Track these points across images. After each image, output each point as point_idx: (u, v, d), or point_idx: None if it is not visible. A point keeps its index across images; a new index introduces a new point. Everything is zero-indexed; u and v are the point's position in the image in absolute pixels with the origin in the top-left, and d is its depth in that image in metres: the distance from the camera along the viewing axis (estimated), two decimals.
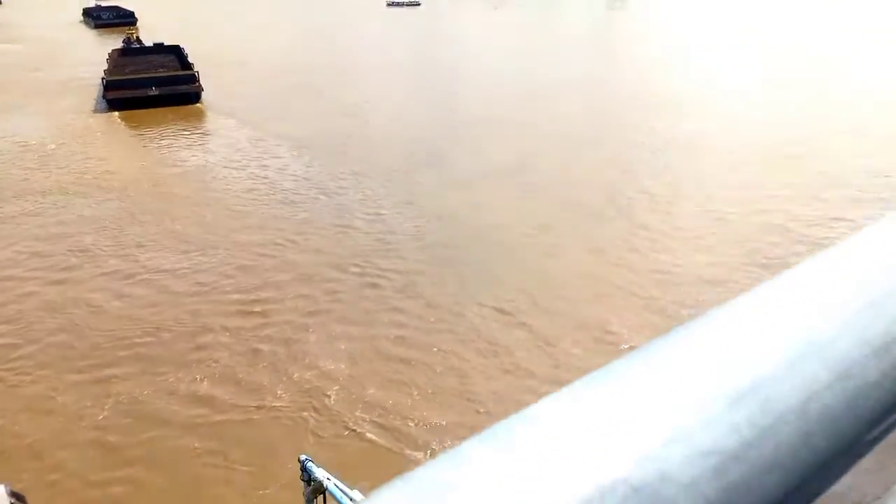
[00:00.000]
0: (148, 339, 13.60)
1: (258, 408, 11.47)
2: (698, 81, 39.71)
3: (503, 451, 0.78)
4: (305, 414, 11.28)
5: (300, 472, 4.91)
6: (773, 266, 15.75)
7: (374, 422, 11.02)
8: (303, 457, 4.91)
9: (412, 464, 9.96)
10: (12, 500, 2.91)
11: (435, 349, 13.03)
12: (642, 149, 26.36)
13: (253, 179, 23.96)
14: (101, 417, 11.32)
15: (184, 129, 31.54)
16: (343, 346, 13.16)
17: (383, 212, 20.54)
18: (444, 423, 11.01)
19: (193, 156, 27.24)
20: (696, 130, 28.72)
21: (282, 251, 17.76)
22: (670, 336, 1.02)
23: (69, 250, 17.99)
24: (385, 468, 9.81)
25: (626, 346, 12.71)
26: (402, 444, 10.58)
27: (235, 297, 15.32)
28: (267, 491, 9.61)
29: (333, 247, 18.02)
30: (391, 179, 23.51)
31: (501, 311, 14.37)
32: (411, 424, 10.96)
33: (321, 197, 22.05)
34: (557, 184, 22.50)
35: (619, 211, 20.00)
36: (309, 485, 4.88)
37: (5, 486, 2.97)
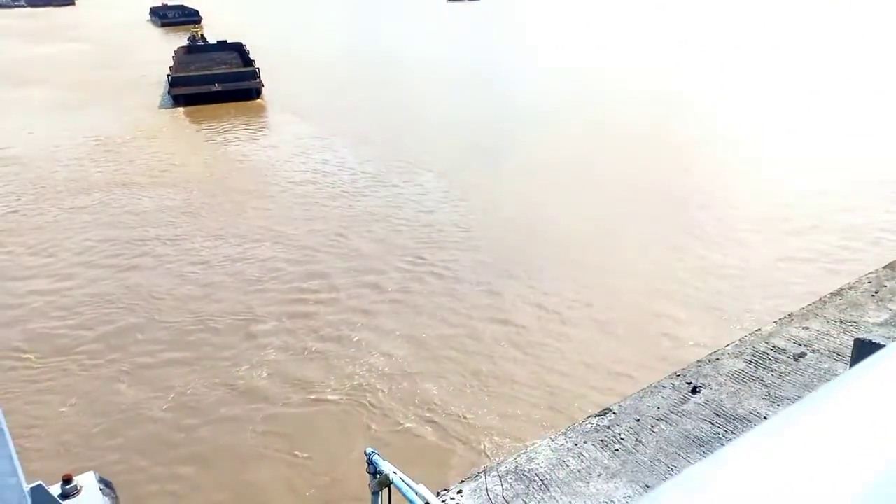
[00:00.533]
0: (210, 326, 13.95)
1: (317, 400, 11.65)
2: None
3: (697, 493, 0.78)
4: (365, 394, 11.43)
5: (366, 464, 4.95)
6: None
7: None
8: (369, 450, 4.94)
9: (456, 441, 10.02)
10: (101, 487, 3.01)
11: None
12: None
13: (314, 173, 24.31)
14: (165, 405, 11.67)
15: (246, 125, 32.20)
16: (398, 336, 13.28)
17: (437, 205, 20.62)
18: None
19: (256, 150, 27.77)
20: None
21: (342, 243, 17.99)
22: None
23: (137, 240, 18.59)
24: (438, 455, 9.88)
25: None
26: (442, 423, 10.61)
27: (296, 286, 15.59)
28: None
29: (392, 238, 18.16)
30: (447, 174, 23.57)
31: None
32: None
33: (380, 190, 22.24)
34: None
35: None
36: (375, 477, 4.91)
37: (94, 473, 3.07)
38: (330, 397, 11.65)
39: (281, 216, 20.12)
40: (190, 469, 10.24)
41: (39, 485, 2.70)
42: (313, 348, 13.09)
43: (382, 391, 11.71)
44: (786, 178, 21.56)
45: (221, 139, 29.72)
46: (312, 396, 11.69)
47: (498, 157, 25.44)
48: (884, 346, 4.08)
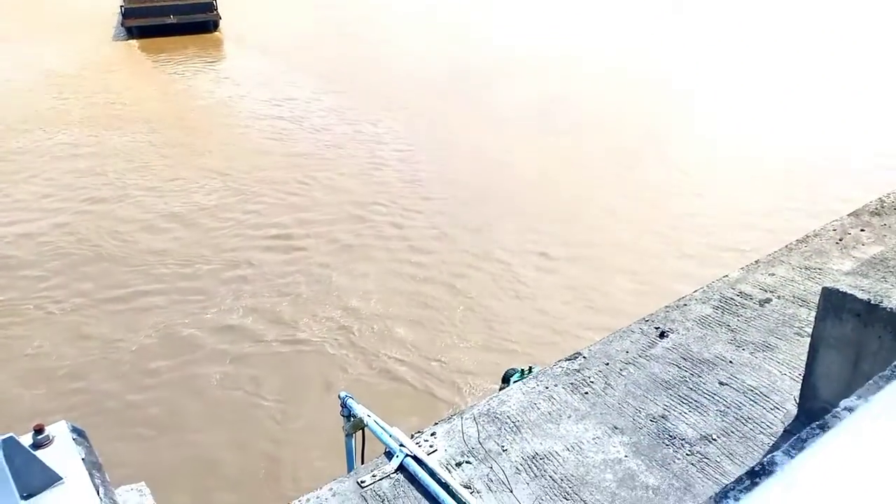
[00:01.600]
0: (174, 271, 13.76)
1: (290, 340, 11.66)
2: None
3: None
4: (337, 336, 11.47)
5: (340, 407, 4.99)
6: None
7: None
8: (343, 393, 4.97)
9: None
10: (74, 437, 2.98)
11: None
12: None
13: (277, 110, 23.76)
14: (135, 346, 11.57)
15: (204, 59, 31.21)
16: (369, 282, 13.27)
17: (406, 147, 20.39)
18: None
19: (218, 87, 27.01)
20: None
21: (308, 188, 17.74)
22: None
23: (95, 182, 18.10)
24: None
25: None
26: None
27: (267, 231, 15.41)
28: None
29: (359, 185, 17.97)
30: (418, 113, 23.24)
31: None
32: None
33: (348, 131, 21.88)
34: None
35: None
36: (349, 420, 4.96)
37: (67, 422, 3.03)
38: (305, 338, 11.66)
39: (243, 157, 19.72)
40: (159, 411, 10.24)
41: (10, 437, 2.66)
42: (286, 291, 13.02)
43: (357, 332, 11.75)
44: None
45: (179, 74, 28.81)
46: (287, 338, 11.68)
47: (468, 102, 25.12)
48: (851, 294, 4.18)
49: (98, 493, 2.72)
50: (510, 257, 14.03)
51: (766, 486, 1.59)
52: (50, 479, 2.72)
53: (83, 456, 2.91)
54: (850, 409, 1.80)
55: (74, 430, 3.05)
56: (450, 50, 32.39)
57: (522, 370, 10.22)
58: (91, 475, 2.79)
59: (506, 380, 11.01)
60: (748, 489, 1.60)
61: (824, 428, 1.77)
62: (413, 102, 24.49)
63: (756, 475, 1.65)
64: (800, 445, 1.72)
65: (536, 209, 16.11)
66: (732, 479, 4.06)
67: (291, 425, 9.86)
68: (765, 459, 1.70)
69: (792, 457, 1.68)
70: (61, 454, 2.87)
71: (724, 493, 1.60)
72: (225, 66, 30.60)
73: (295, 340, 11.56)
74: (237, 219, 15.98)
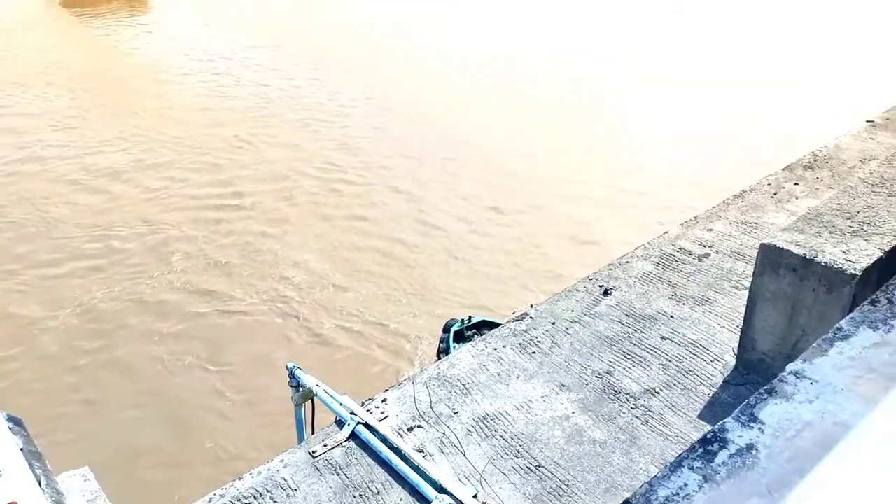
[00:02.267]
0: (109, 236, 13.30)
1: (230, 312, 11.45)
2: None
3: None
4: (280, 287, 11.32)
5: (289, 378, 4.94)
6: None
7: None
8: (290, 364, 4.91)
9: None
10: (11, 426, 2.86)
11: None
12: None
13: (212, 68, 22.94)
14: (63, 316, 11.18)
15: (134, 16, 29.81)
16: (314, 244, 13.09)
17: (349, 103, 20.01)
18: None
19: (147, 44, 25.87)
20: None
21: (248, 146, 17.28)
22: None
23: (20, 149, 17.23)
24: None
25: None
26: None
27: (204, 193, 14.98)
28: None
29: (301, 141, 17.58)
30: (363, 73, 22.76)
31: None
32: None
33: (285, 87, 21.31)
34: None
35: None
36: (297, 391, 4.92)
37: (1, 412, 2.91)
38: (244, 308, 11.47)
39: (178, 117, 19.03)
40: (97, 391, 9.95)
41: None
42: (223, 259, 12.74)
43: (299, 300, 11.62)
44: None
45: (105, 31, 27.47)
46: (225, 308, 11.47)
47: (419, 58, 24.70)
48: (787, 250, 4.30)
49: (40, 484, 2.63)
50: (446, 217, 14.02)
51: (720, 456, 1.62)
52: None
53: (21, 446, 2.80)
54: (797, 374, 1.85)
55: (10, 419, 2.93)
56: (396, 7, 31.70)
57: (462, 320, 10.36)
58: (31, 465, 2.69)
59: (446, 330, 11.16)
60: (702, 457, 1.63)
61: (772, 393, 1.81)
62: (351, 61, 23.96)
63: (708, 443, 1.68)
64: (749, 412, 1.76)
65: (477, 164, 16.09)
66: (676, 431, 4.19)
67: (236, 397, 9.75)
68: (716, 427, 1.74)
69: (742, 423, 1.71)
70: None
71: (678, 463, 1.63)
72: (153, 21, 29.26)
73: (234, 311, 11.36)
74: (170, 182, 15.47)
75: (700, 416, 4.40)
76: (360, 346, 10.62)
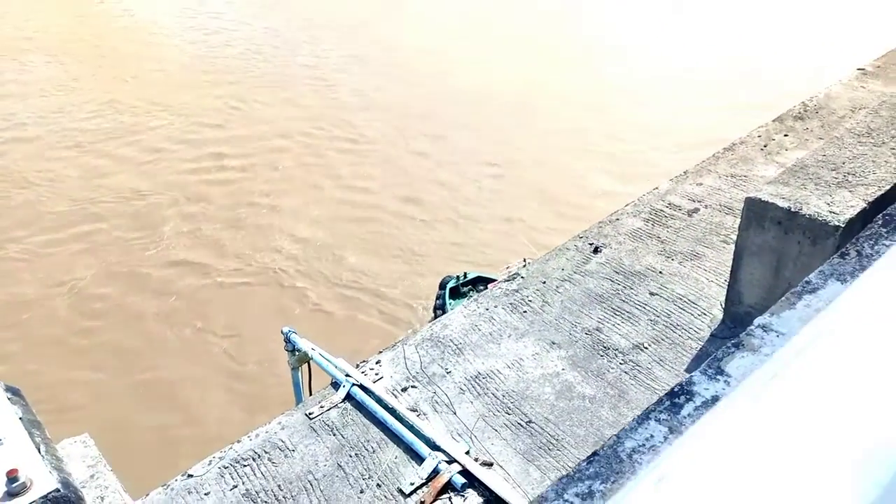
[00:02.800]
0: (105, 209, 13.30)
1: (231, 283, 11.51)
2: None
3: None
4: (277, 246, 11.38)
5: (284, 343, 5.02)
6: None
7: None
8: (286, 329, 4.99)
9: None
10: (9, 396, 2.93)
11: None
12: None
13: (205, 30, 22.64)
14: (58, 291, 11.25)
15: None
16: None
17: (343, 63, 19.82)
18: None
19: (136, 4, 25.47)
20: None
21: (242, 110, 17.16)
22: None
23: (5, 119, 17.10)
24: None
25: None
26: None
27: (203, 161, 14.92)
28: None
29: (296, 103, 17.45)
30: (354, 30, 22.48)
31: None
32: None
33: (280, 46, 21.05)
34: None
35: None
36: (294, 355, 5.00)
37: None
38: (244, 279, 11.52)
39: (173, 83, 18.84)
40: (102, 356, 10.08)
41: None
42: (220, 228, 12.76)
43: (297, 268, 11.68)
44: None
45: None
46: (224, 280, 11.52)
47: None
48: (772, 203, 4.33)
49: (39, 451, 2.71)
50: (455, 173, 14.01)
51: (686, 408, 1.69)
52: None
53: (20, 415, 2.87)
54: (764, 327, 1.91)
55: (8, 388, 3.00)
56: None
57: (458, 276, 10.45)
58: (31, 434, 2.77)
59: (443, 286, 11.25)
60: (668, 409, 1.70)
61: (739, 346, 1.87)
62: (343, 19, 23.64)
63: (675, 395, 1.74)
64: (715, 364, 1.82)
65: (478, 121, 16.00)
66: (663, 385, 4.28)
67: (247, 360, 9.86)
68: (683, 380, 1.80)
69: (709, 376, 1.78)
70: None
71: (646, 415, 1.69)
72: None
73: (234, 282, 11.41)
74: (169, 149, 15.41)
75: (687, 370, 4.49)
76: (361, 313, 10.71)
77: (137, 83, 18.78)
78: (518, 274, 5.52)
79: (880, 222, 2.32)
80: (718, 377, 1.77)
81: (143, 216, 13.10)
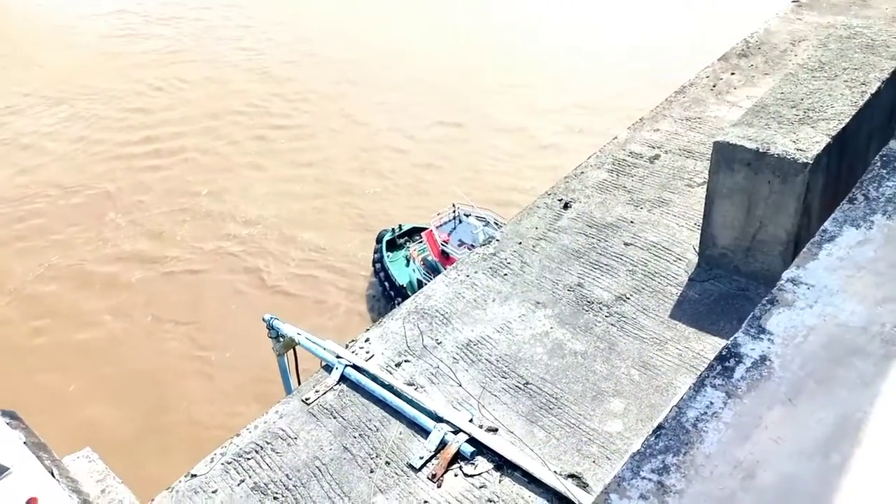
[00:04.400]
0: (34, 210, 12.74)
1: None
2: None
3: None
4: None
5: (268, 330, 4.94)
6: None
7: None
8: (267, 316, 4.89)
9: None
10: (8, 421, 2.81)
11: None
12: None
13: (117, 13, 21.58)
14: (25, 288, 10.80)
15: None
16: None
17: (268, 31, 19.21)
18: None
19: None
20: None
21: (167, 88, 16.51)
22: None
23: None
24: None
25: None
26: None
27: (127, 143, 14.35)
28: None
29: (223, 77, 16.88)
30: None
31: None
32: None
33: (203, 19, 20.25)
34: None
35: None
36: (278, 341, 4.93)
37: None
38: (194, 266, 11.25)
39: (86, 64, 17.96)
40: (61, 355, 9.77)
41: None
42: (161, 218, 12.37)
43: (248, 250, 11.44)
44: None
45: None
46: (172, 269, 11.22)
47: None
48: (740, 145, 4.42)
49: (53, 475, 2.62)
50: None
51: (738, 370, 1.72)
52: None
53: (24, 439, 2.76)
54: (793, 281, 1.95)
55: (5, 413, 2.88)
56: None
57: (393, 229, 10.64)
58: (39, 458, 2.67)
59: (379, 240, 11.31)
60: (721, 374, 1.73)
61: (774, 303, 1.91)
62: None
63: (725, 359, 1.78)
64: (756, 324, 1.86)
65: (412, 83, 15.80)
66: (650, 334, 4.37)
67: (211, 345, 9.70)
68: (729, 342, 1.83)
69: (752, 336, 1.81)
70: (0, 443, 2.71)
71: (701, 382, 1.72)
72: None
73: (183, 270, 11.13)
74: (90, 136, 14.77)
75: (671, 316, 4.60)
76: (319, 291, 10.59)
77: (51, 69, 17.85)
78: (493, 237, 5.53)
79: (879, 164, 2.38)
80: (762, 336, 1.81)
81: (78, 211, 12.61)
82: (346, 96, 15.51)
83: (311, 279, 10.75)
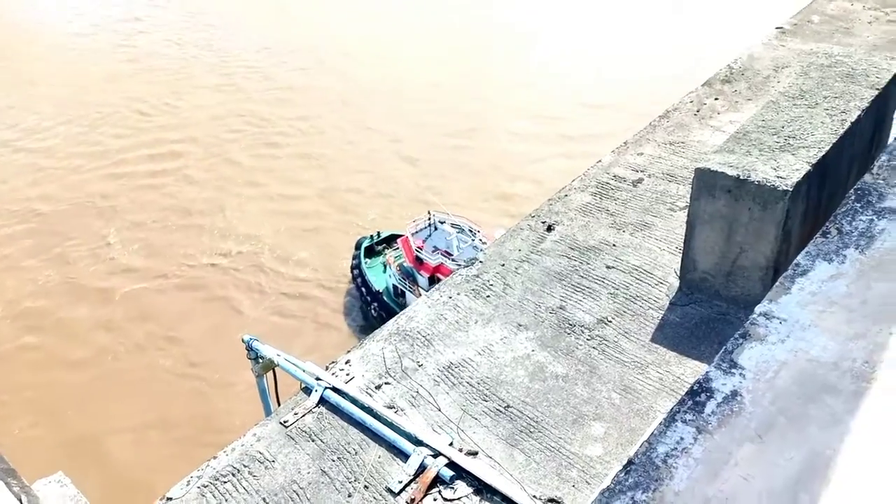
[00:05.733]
0: (40, 223, 12.65)
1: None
2: None
3: None
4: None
5: (246, 351, 4.90)
6: None
7: None
8: (247, 337, 4.85)
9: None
10: None
11: None
12: None
13: (92, 28, 21.56)
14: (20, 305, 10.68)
15: None
16: None
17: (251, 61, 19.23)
18: None
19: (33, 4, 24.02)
20: None
21: (165, 109, 16.48)
22: None
23: None
24: None
25: None
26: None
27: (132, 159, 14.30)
28: None
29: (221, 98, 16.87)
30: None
31: None
32: None
33: (201, 38, 20.26)
34: None
35: None
36: (257, 362, 4.89)
37: None
38: (184, 283, 11.17)
39: (89, 83, 17.92)
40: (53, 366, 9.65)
41: None
42: (160, 234, 12.30)
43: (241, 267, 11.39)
44: None
45: None
46: (160, 284, 11.14)
47: None
48: (721, 172, 4.45)
49: (20, 502, 2.57)
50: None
51: (709, 405, 1.72)
52: None
53: None
54: (766, 315, 1.96)
55: None
56: None
57: (371, 236, 10.72)
58: (8, 485, 2.62)
59: (358, 247, 11.28)
60: (692, 409, 1.73)
61: (746, 337, 1.91)
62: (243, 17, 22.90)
63: (696, 394, 1.78)
64: (728, 358, 1.86)
65: (396, 105, 15.86)
66: (632, 357, 4.37)
67: (198, 360, 9.61)
68: (701, 377, 1.84)
69: (724, 371, 1.82)
70: None
71: (671, 417, 1.72)
72: None
73: (184, 278, 11.06)
74: (89, 153, 14.71)
75: (652, 340, 4.61)
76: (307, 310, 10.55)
77: (48, 87, 17.79)
78: (476, 258, 5.53)
79: (853, 197, 2.40)
80: (733, 371, 1.81)
81: (80, 224, 12.53)
82: (354, 112, 15.56)
83: (304, 298, 10.71)
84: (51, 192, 13.49)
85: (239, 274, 11.03)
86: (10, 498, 2.59)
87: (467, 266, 5.46)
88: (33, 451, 7.51)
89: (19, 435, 7.99)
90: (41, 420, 8.94)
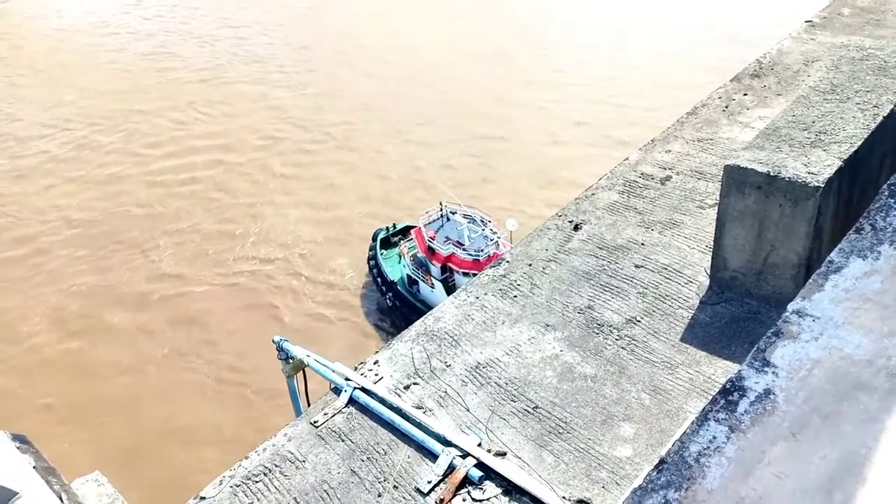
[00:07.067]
0: (80, 230, 12.90)
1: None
2: None
3: None
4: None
5: (277, 352, 4.95)
6: None
7: None
8: (277, 338, 4.91)
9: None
10: (18, 445, 2.83)
11: None
12: None
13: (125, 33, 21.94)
14: (43, 313, 10.92)
15: None
16: None
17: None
18: None
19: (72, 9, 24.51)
20: None
21: (193, 116, 16.73)
22: None
23: None
24: None
25: None
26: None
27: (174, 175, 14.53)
28: None
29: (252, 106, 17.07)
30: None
31: None
32: None
33: (231, 36, 20.53)
34: None
35: None
36: (288, 363, 4.94)
37: (5, 433, 2.87)
38: (225, 287, 11.32)
39: (124, 90, 18.24)
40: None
41: None
42: (207, 239, 12.49)
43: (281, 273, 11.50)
44: None
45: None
46: (203, 289, 11.30)
47: None
48: (751, 168, 4.40)
49: (61, 500, 2.63)
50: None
51: (742, 404, 1.71)
52: (4, 497, 2.60)
53: (34, 463, 2.78)
54: (798, 313, 1.94)
55: (15, 437, 2.90)
56: None
57: (387, 227, 10.82)
58: (48, 483, 2.68)
59: (374, 238, 11.31)
60: (725, 408, 1.72)
61: (779, 335, 1.90)
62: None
63: (728, 393, 1.77)
64: (760, 356, 1.85)
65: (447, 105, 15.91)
66: (661, 357, 4.34)
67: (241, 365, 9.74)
68: (733, 375, 1.82)
69: (756, 369, 1.80)
70: (10, 467, 2.73)
71: (704, 416, 1.71)
72: None
73: (224, 283, 11.22)
74: (126, 161, 14.97)
75: (682, 340, 4.57)
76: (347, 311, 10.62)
77: (75, 97, 18.14)
78: (503, 259, 5.53)
79: (887, 193, 2.37)
80: (766, 369, 1.80)
81: (123, 232, 12.76)
82: (378, 120, 15.66)
83: (341, 305, 10.80)
84: (89, 200, 13.76)
85: (275, 281, 11.17)
86: (50, 496, 2.65)
87: (494, 267, 5.46)
88: (73, 452, 7.68)
89: (61, 436, 8.17)
90: (81, 421, 9.12)
